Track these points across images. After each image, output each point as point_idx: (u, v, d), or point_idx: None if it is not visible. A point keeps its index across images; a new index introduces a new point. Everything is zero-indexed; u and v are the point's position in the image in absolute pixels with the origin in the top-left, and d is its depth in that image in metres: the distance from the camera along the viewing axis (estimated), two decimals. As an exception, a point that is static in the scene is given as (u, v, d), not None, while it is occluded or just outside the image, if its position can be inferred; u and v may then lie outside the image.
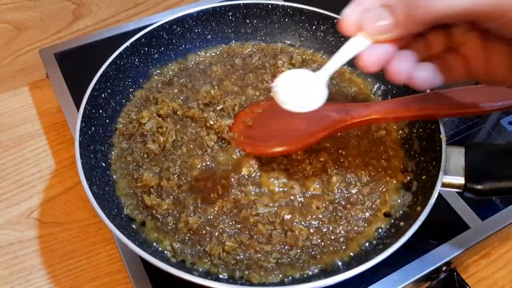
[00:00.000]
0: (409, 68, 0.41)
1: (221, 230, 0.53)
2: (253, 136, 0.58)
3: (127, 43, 0.64)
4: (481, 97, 0.53)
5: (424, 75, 0.42)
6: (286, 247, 0.52)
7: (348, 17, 0.39)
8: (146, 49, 0.67)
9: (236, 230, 0.53)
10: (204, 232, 0.53)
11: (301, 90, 0.42)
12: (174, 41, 0.69)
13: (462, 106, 0.53)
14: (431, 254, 0.56)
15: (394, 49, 0.40)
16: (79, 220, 0.66)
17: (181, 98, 0.65)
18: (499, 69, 0.42)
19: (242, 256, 0.51)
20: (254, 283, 0.50)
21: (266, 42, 0.73)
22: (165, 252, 0.52)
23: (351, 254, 0.52)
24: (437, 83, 0.43)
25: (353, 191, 0.56)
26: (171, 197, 0.55)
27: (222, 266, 0.51)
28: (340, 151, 0.59)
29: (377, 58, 0.39)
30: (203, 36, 0.71)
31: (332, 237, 0.53)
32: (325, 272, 0.50)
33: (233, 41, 0.72)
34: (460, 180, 0.51)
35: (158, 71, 0.69)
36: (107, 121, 0.62)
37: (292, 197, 0.55)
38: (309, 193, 0.56)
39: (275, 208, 0.54)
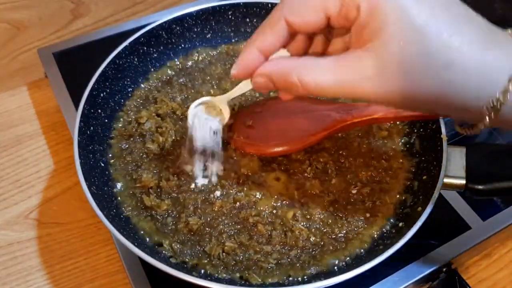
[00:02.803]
0: None
1: (220, 231, 0.53)
2: (253, 136, 0.58)
3: (126, 43, 0.64)
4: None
5: None
6: (286, 248, 0.52)
7: (237, 73, 0.43)
8: (145, 48, 0.67)
9: (236, 231, 0.53)
10: (204, 232, 0.53)
11: (209, 122, 0.52)
12: (173, 40, 0.69)
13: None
14: (431, 254, 0.56)
15: None
16: (78, 221, 0.66)
17: (181, 97, 0.64)
18: None
19: (241, 257, 0.51)
20: (254, 284, 0.50)
21: (266, 41, 0.73)
22: (165, 253, 0.51)
23: (351, 254, 0.52)
24: None
25: (354, 191, 0.56)
26: (171, 197, 0.55)
27: (222, 267, 0.51)
28: (341, 152, 0.59)
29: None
30: (203, 35, 0.71)
31: (332, 238, 0.53)
32: (325, 273, 0.50)
33: (233, 40, 0.72)
34: (461, 180, 0.51)
35: (157, 70, 0.68)
36: (106, 121, 0.61)
37: (292, 198, 0.55)
38: (309, 193, 0.55)
39: (275, 209, 0.54)
